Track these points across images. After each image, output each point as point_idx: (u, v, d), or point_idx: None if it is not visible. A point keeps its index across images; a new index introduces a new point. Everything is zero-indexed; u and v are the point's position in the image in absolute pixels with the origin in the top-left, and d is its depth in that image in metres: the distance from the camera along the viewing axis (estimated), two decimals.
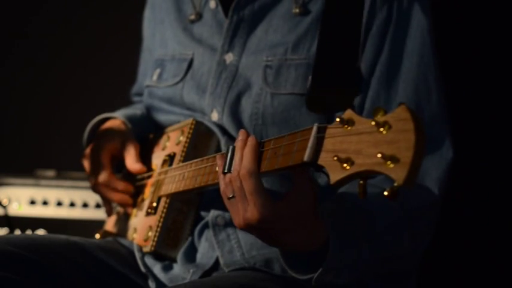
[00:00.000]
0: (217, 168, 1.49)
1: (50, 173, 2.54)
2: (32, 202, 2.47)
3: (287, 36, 1.68)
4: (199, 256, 1.70)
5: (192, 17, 1.84)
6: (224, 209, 1.67)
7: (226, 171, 1.37)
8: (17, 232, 2.41)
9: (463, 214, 2.15)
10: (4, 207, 2.41)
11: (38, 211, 2.47)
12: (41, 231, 2.43)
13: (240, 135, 1.37)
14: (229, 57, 1.74)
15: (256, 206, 1.30)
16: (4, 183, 2.48)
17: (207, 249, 1.69)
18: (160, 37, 1.93)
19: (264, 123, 1.66)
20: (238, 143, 1.37)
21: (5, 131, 3.00)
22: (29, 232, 2.43)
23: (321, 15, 1.65)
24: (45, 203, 2.47)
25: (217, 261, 1.68)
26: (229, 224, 1.68)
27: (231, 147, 1.38)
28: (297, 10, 1.68)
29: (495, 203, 2.21)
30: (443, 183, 1.57)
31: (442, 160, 1.57)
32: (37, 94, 3.02)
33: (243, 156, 1.34)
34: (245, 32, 1.74)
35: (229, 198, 1.37)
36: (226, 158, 1.38)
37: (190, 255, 1.71)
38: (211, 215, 1.70)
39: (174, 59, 1.85)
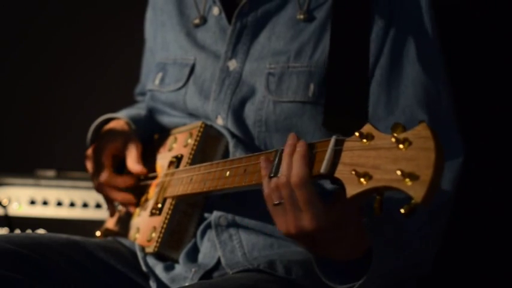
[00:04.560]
0: (227, 173, 1.49)
1: (50, 173, 2.53)
2: (32, 202, 2.47)
3: (290, 43, 1.68)
4: (201, 256, 1.70)
5: (197, 21, 1.83)
6: (227, 209, 1.69)
7: (272, 175, 1.34)
8: (17, 232, 2.39)
9: (463, 214, 2.15)
10: (4, 207, 2.41)
11: (38, 211, 2.46)
12: (41, 231, 2.42)
13: (290, 140, 1.35)
14: (233, 64, 1.74)
15: (314, 216, 1.28)
16: (4, 183, 2.48)
17: (209, 249, 1.70)
18: (162, 40, 1.92)
19: (268, 130, 1.66)
20: (287, 148, 1.34)
21: (5, 131, 2.99)
22: (29, 232, 2.41)
23: (325, 23, 1.66)
24: (45, 203, 2.47)
25: (219, 262, 1.68)
26: (231, 224, 1.69)
27: (278, 150, 1.36)
28: (301, 16, 1.68)
29: (495, 203, 2.20)
30: (455, 183, 1.56)
31: (454, 162, 1.57)
32: (37, 94, 3.01)
33: (292, 162, 1.30)
34: (248, 38, 1.74)
35: (274, 205, 1.33)
36: (273, 162, 1.36)
37: (192, 255, 1.72)
38: (214, 215, 1.70)
39: (175, 63, 1.85)
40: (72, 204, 2.46)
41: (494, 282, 2.21)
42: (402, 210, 1.08)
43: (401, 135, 1.10)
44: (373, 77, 1.61)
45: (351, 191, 1.16)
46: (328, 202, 1.30)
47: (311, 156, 1.30)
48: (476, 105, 2.18)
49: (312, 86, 1.63)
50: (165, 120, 1.88)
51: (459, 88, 1.74)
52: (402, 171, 1.08)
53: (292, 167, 1.30)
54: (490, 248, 2.21)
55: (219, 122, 1.73)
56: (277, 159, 1.35)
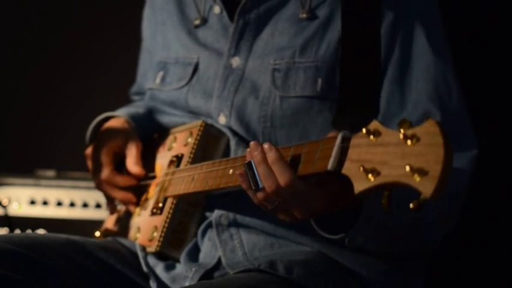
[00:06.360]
0: (230, 171, 1.50)
1: (50, 173, 2.53)
2: (32, 202, 2.47)
3: (294, 39, 1.69)
4: (202, 255, 1.70)
5: (197, 21, 1.83)
6: (228, 208, 1.69)
7: (254, 188, 1.38)
8: (17, 232, 2.39)
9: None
10: (4, 207, 2.41)
11: (38, 211, 2.47)
12: (41, 231, 2.42)
13: (253, 148, 1.38)
14: (236, 61, 1.74)
15: (306, 203, 1.36)
16: (4, 183, 2.48)
17: (209, 249, 1.69)
18: (162, 39, 1.92)
19: (273, 126, 1.67)
20: (257, 157, 1.37)
21: (5, 131, 2.99)
22: (29, 232, 2.41)
23: (327, 20, 1.67)
24: (45, 203, 2.47)
25: (219, 261, 1.68)
26: (232, 223, 1.69)
27: (246, 164, 1.38)
28: (304, 15, 1.69)
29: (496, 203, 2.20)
30: (470, 173, 1.58)
31: (468, 155, 1.59)
32: (37, 94, 3.01)
33: (272, 170, 1.34)
34: (251, 35, 1.74)
35: (271, 209, 1.39)
36: (247, 176, 1.38)
37: (193, 254, 1.72)
38: (215, 214, 1.70)
39: (178, 62, 1.84)
40: (72, 204, 2.47)
41: (495, 282, 2.21)
42: (411, 205, 1.08)
43: (409, 131, 1.10)
44: (386, 74, 1.63)
45: (359, 186, 1.16)
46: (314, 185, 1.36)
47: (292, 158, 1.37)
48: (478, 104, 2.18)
49: (320, 81, 1.64)
50: (165, 119, 1.88)
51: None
52: (411, 167, 1.08)
53: (273, 174, 1.35)
54: (491, 249, 2.21)
55: (222, 119, 1.73)
56: (250, 172, 1.38)
